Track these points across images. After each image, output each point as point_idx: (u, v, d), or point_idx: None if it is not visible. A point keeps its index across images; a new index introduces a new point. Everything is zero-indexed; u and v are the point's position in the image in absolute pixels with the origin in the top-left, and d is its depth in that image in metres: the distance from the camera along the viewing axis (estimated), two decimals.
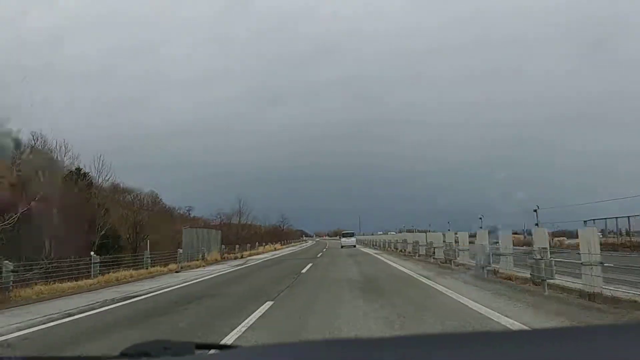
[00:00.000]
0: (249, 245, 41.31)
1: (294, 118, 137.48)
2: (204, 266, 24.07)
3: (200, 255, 26.41)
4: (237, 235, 50.11)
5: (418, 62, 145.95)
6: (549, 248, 10.33)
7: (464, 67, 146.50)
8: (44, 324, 8.31)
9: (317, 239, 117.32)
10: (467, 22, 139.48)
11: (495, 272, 12.86)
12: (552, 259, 9.90)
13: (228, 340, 6.21)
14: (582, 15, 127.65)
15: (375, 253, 32.85)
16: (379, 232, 60.53)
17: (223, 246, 32.66)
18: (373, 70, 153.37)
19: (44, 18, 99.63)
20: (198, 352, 1.25)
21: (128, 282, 16.11)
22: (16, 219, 13.27)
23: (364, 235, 72.20)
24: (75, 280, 14.48)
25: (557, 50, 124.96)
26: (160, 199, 56.13)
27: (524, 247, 16.36)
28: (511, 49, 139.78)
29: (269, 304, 9.19)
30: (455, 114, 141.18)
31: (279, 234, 74.17)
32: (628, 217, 26.11)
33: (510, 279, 11.75)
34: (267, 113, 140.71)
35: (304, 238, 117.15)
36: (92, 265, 16.08)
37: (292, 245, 67.96)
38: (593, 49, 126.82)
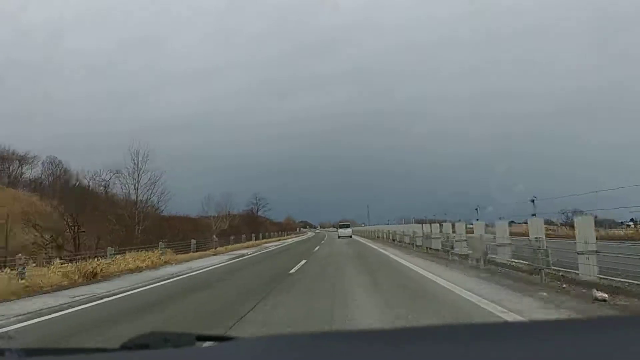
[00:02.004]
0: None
1: (302, 111, 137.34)
2: None
3: None
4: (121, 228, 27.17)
5: (427, 55, 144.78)
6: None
7: (474, 59, 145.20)
8: None
9: (318, 231, 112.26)
10: (476, 15, 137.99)
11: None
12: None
13: None
14: (593, 7, 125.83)
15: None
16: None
17: None
18: (381, 62, 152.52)
19: (44, 11, 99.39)
20: (198, 343, 1.24)
21: None
22: None
23: (378, 225, 52.03)
24: None
25: (567, 43, 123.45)
26: (67, 168, 36.98)
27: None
28: (520, 41, 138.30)
29: None
30: (466, 106, 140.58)
31: (249, 224, 50.53)
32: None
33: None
34: (274, 105, 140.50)
35: (303, 230, 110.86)
36: None
37: (242, 248, 31.02)
38: (605, 42, 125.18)
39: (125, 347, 1.20)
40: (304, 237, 63.73)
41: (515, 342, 0.88)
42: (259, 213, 71.01)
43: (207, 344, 1.23)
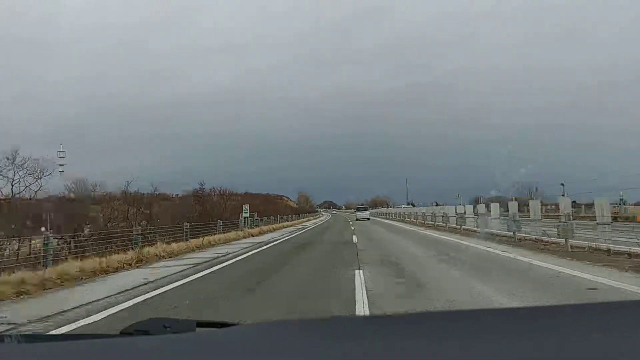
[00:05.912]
0: None
1: (338, 86, 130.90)
2: None
3: None
4: None
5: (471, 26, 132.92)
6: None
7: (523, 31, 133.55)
8: None
9: (335, 212, 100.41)
10: None
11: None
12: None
13: None
14: None
15: None
16: None
17: None
18: (419, 35, 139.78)
19: None
20: (199, 329, 1.26)
21: None
22: None
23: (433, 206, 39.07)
24: None
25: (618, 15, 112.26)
26: None
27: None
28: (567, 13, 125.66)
29: None
30: (510, 80, 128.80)
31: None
32: None
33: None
34: (311, 81, 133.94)
35: (319, 211, 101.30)
36: None
37: None
38: None
39: (125, 333, 1.23)
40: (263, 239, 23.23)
41: (528, 325, 0.85)
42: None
43: (207, 330, 1.27)
